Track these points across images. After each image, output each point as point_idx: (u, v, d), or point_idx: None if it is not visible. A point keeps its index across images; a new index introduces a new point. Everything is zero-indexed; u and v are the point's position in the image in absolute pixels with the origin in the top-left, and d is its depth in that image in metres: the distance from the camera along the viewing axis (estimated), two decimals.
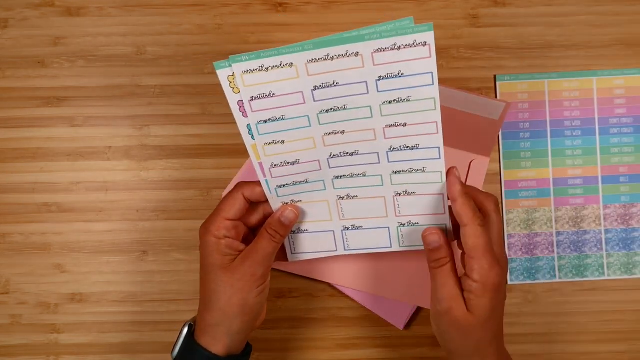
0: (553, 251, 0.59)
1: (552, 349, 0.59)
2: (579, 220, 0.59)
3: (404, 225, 0.48)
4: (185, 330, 0.46)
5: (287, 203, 0.48)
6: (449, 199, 0.45)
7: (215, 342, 0.45)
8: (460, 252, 0.46)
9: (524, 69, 0.60)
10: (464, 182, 0.51)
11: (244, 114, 0.49)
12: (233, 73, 0.47)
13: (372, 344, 0.59)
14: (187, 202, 0.60)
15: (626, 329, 0.59)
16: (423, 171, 0.45)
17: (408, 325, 0.59)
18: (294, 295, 0.59)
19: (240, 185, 0.47)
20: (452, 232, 0.47)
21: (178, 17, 0.60)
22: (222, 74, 0.46)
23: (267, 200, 0.48)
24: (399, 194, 0.47)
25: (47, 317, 0.60)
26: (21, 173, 0.60)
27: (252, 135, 0.49)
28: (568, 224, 0.59)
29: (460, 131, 0.58)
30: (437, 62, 0.47)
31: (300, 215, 0.48)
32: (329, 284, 0.59)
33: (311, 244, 0.50)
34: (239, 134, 0.60)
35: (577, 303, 0.59)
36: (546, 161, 0.60)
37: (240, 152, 0.59)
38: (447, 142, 0.47)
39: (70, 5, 0.61)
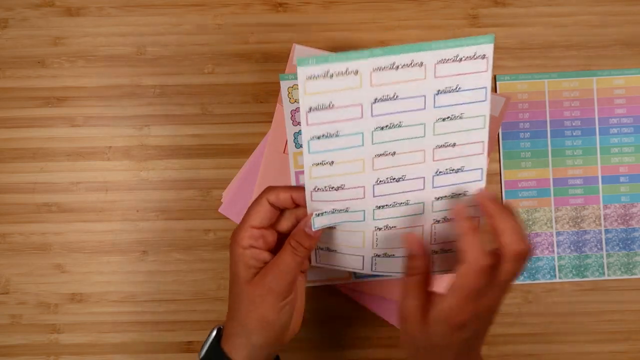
0: (553, 251, 0.59)
1: (552, 349, 0.59)
2: (579, 220, 0.59)
3: (436, 252, 0.47)
4: (214, 333, 0.46)
5: (320, 214, 0.44)
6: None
7: (237, 351, 0.44)
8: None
9: (524, 69, 0.60)
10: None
11: (294, 122, 0.55)
12: (293, 85, 0.53)
13: (372, 344, 0.59)
14: (187, 202, 0.60)
15: (626, 329, 0.59)
16: (464, 195, 0.44)
17: None
18: None
19: (266, 190, 0.44)
20: None
21: (178, 17, 0.60)
22: (284, 85, 0.55)
23: (297, 206, 0.45)
24: (437, 222, 0.45)
25: (47, 317, 0.60)
26: (21, 173, 0.60)
27: (296, 144, 0.55)
28: (568, 224, 0.59)
29: None
30: None
31: (331, 238, 0.46)
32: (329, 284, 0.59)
33: (338, 261, 0.48)
34: (239, 134, 0.60)
35: (577, 303, 0.59)
36: (546, 161, 0.60)
37: (240, 152, 0.59)
38: None
39: (70, 5, 0.61)
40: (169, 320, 0.59)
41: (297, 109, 0.57)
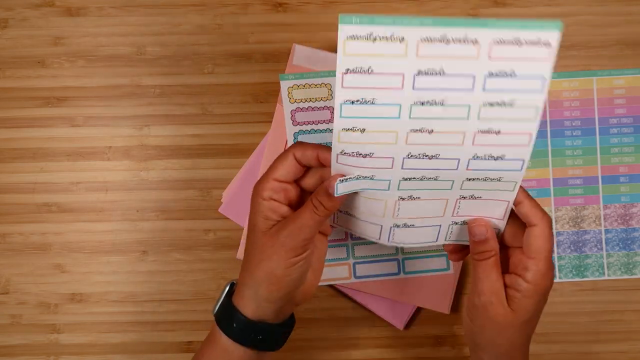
0: (553, 251, 0.59)
1: (552, 349, 0.59)
2: (579, 220, 0.59)
3: (457, 223, 0.45)
4: (227, 288, 0.45)
5: (344, 180, 0.42)
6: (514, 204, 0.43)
7: (245, 302, 0.43)
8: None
9: None
10: None
11: (294, 122, 0.56)
12: (293, 85, 0.53)
13: (372, 344, 0.59)
14: (187, 202, 0.60)
15: (626, 329, 0.59)
16: (498, 180, 0.42)
17: (408, 325, 0.59)
18: None
19: (294, 145, 0.43)
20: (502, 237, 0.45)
21: (178, 17, 0.60)
22: (284, 85, 0.55)
23: (323, 165, 0.43)
24: (464, 198, 0.43)
25: (47, 317, 0.60)
26: (21, 173, 0.60)
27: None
28: (568, 224, 0.59)
29: None
30: None
31: (352, 203, 0.45)
32: (329, 284, 0.59)
33: (355, 226, 0.47)
34: (239, 134, 0.60)
35: (577, 303, 0.59)
36: (546, 161, 0.60)
37: (240, 152, 0.59)
38: None
39: (70, 5, 0.61)
40: (169, 320, 0.59)
41: (297, 109, 0.57)
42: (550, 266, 0.42)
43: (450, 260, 0.47)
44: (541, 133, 0.60)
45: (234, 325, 0.43)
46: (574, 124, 0.60)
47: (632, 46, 0.60)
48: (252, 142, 0.59)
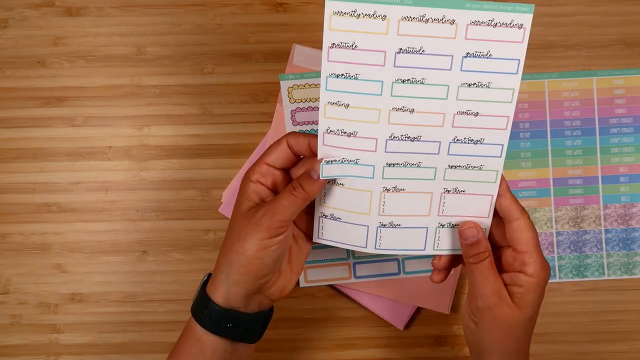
0: (553, 251, 0.59)
1: (552, 349, 0.59)
2: (579, 220, 0.59)
3: (443, 226, 0.45)
4: (205, 278, 0.45)
5: (329, 162, 0.43)
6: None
7: (216, 287, 0.43)
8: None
9: (524, 69, 0.59)
10: None
11: (294, 122, 0.56)
12: (293, 85, 0.54)
13: (372, 344, 0.59)
14: (187, 202, 0.60)
15: (626, 329, 0.59)
16: (480, 169, 0.43)
17: (408, 325, 0.59)
18: (294, 295, 0.59)
19: (289, 133, 0.44)
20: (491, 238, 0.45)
21: (178, 17, 0.60)
22: (284, 85, 0.56)
23: (314, 155, 0.44)
24: (448, 191, 0.44)
25: (47, 317, 0.60)
26: (21, 173, 0.60)
27: None
28: (568, 224, 0.59)
29: None
30: None
31: (336, 200, 0.45)
32: (329, 284, 0.59)
33: (341, 234, 0.46)
34: (239, 134, 0.60)
35: (577, 303, 0.59)
36: (546, 161, 0.60)
37: (240, 152, 0.59)
38: None
39: (70, 5, 0.61)
40: (169, 320, 0.59)
41: (297, 109, 0.57)
42: (543, 259, 0.42)
43: (432, 281, 0.47)
44: (541, 133, 0.60)
45: (205, 312, 0.43)
46: (574, 124, 0.60)
47: (632, 46, 0.60)
48: (252, 142, 0.59)
